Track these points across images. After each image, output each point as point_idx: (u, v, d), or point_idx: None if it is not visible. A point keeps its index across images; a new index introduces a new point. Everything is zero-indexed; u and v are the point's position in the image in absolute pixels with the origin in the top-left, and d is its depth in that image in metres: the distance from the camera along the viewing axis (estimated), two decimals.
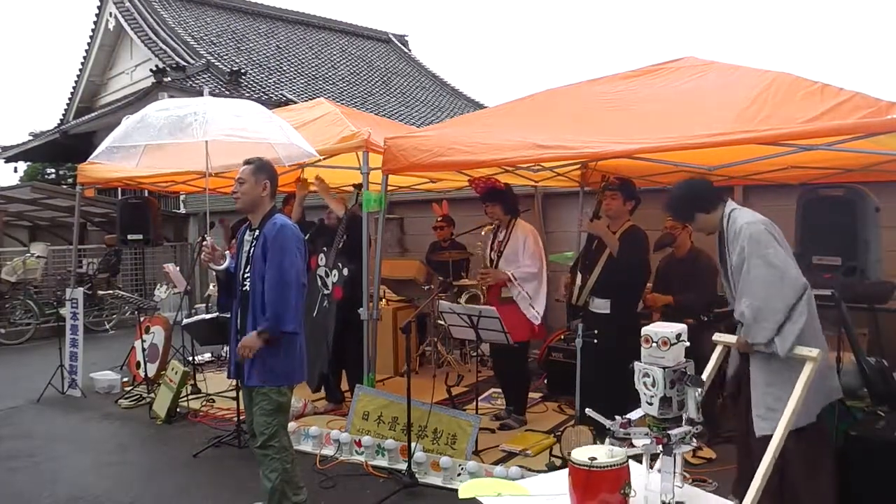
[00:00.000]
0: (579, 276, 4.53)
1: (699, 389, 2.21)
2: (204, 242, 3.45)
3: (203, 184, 5.98)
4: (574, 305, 4.56)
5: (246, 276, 3.30)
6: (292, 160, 4.43)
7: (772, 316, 2.98)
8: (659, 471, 2.12)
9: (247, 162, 3.35)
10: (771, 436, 2.64)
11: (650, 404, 2.19)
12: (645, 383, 2.22)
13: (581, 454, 2.02)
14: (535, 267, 4.83)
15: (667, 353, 2.22)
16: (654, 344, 2.22)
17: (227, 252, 3.58)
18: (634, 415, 2.26)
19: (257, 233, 3.30)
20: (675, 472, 2.10)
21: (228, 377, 3.60)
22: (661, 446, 2.11)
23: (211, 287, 7.71)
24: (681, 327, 2.22)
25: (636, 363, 2.26)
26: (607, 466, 2.00)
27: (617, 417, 2.24)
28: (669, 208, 3.52)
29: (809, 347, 2.83)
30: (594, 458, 1.99)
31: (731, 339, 3.18)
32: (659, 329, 2.25)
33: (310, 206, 6.57)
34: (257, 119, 4.20)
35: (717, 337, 3.20)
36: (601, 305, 4.42)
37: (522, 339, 4.85)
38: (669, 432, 2.15)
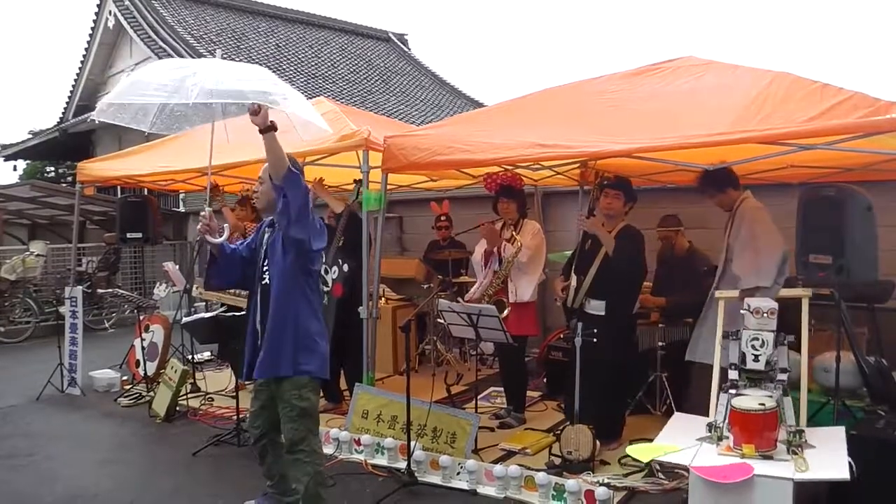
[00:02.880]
0: (574, 278, 4.51)
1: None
2: (202, 213, 3.19)
3: (203, 182, 6.01)
4: (569, 308, 4.55)
5: (265, 268, 3.26)
6: (312, 135, 3.69)
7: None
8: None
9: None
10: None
11: (757, 361, 2.94)
12: (753, 345, 2.93)
13: (748, 402, 2.73)
14: (525, 256, 4.86)
15: (772, 320, 2.88)
16: (764, 314, 2.92)
17: (226, 225, 3.46)
18: (733, 375, 3.02)
19: (277, 227, 3.22)
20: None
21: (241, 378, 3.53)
22: (783, 389, 2.89)
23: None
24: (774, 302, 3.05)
25: (743, 330, 2.96)
26: (773, 409, 2.69)
27: (731, 373, 3.05)
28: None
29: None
30: (764, 405, 2.70)
31: (733, 293, 3.68)
32: (766, 302, 2.97)
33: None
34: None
35: (719, 293, 3.71)
36: (597, 307, 4.40)
37: (522, 334, 4.87)
38: (780, 378, 2.95)
